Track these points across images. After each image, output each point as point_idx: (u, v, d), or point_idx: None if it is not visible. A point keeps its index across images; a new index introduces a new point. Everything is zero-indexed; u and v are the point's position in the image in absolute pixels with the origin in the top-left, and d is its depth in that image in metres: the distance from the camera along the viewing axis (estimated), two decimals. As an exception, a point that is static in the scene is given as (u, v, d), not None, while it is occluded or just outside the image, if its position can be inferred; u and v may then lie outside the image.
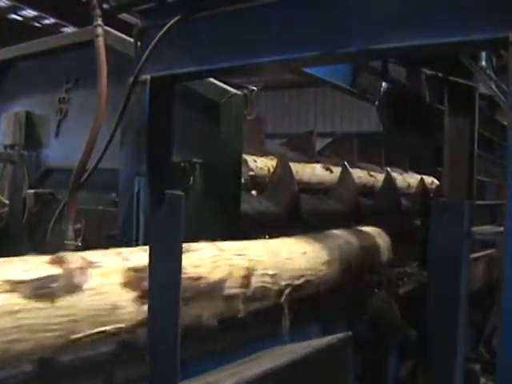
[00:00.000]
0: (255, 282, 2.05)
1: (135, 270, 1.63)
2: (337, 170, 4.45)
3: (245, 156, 3.34)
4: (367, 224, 3.21)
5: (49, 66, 3.86)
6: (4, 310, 1.29)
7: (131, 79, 2.60)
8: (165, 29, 2.44)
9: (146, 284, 1.57)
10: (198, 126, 2.96)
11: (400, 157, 5.88)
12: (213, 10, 2.43)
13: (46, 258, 1.48)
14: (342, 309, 2.66)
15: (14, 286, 1.33)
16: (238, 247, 2.10)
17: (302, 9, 2.22)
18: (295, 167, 3.88)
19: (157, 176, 2.70)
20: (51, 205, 3.63)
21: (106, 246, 1.76)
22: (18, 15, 13.30)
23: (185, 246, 1.83)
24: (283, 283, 2.20)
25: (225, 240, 2.15)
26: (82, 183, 2.79)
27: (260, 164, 3.65)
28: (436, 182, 5.66)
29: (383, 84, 4.07)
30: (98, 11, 2.69)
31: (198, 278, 1.78)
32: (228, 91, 2.89)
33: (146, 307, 1.57)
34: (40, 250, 1.64)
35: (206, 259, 1.87)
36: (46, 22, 13.21)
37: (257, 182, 3.59)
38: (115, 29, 3.19)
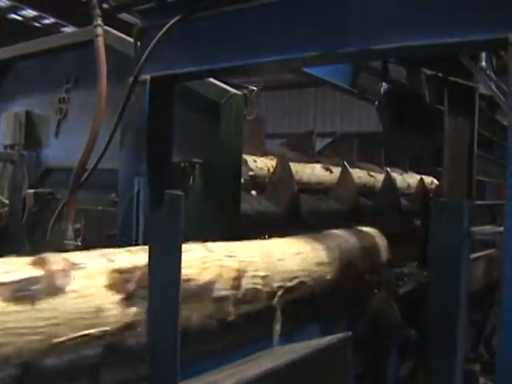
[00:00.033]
0: (246, 283, 2.01)
1: (120, 271, 1.59)
2: (337, 170, 4.45)
3: (245, 156, 3.34)
4: (366, 224, 3.21)
5: (49, 65, 3.86)
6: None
7: (131, 79, 2.59)
8: (165, 29, 2.44)
9: (131, 286, 1.56)
10: (197, 125, 2.96)
11: (400, 157, 5.88)
12: (213, 9, 2.43)
13: (28, 259, 1.46)
14: (340, 310, 2.65)
15: (-7, 288, 1.29)
16: (228, 248, 2.06)
17: (301, 9, 2.22)
18: (295, 167, 3.88)
19: (157, 176, 2.70)
20: (51, 204, 3.63)
21: (105, 246, 1.76)
22: (18, 15, 13.31)
23: None
24: (275, 285, 2.16)
25: (225, 240, 2.15)
26: (82, 183, 2.79)
27: (260, 164, 3.65)
28: (436, 182, 5.66)
29: (383, 84, 4.07)
30: (98, 11, 2.69)
31: (187, 280, 1.75)
32: (228, 91, 2.89)
33: (131, 310, 1.55)
34: (40, 250, 1.62)
35: (195, 260, 1.85)
36: (46, 21, 13.22)
37: (257, 181, 3.59)
38: (115, 29, 3.19)
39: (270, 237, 2.49)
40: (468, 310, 2.53)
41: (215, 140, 2.90)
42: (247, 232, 2.61)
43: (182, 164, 2.90)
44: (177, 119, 2.79)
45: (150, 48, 2.49)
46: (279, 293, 2.18)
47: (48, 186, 3.78)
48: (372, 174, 5.06)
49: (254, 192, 3.61)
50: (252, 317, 2.06)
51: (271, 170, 3.68)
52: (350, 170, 4.36)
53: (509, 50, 1.77)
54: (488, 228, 3.84)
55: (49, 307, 1.38)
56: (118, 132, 2.71)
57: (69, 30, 11.81)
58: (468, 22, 1.87)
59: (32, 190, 3.72)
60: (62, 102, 3.74)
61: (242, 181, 3.14)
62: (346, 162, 4.37)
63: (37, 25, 13.41)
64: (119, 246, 1.82)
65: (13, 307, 1.31)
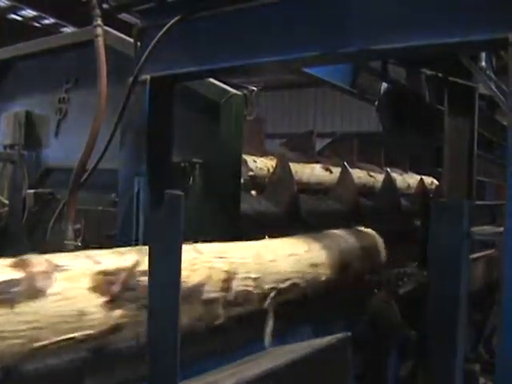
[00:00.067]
0: (236, 285, 1.98)
1: (105, 273, 1.56)
2: (336, 171, 4.45)
3: (244, 156, 3.34)
4: (366, 225, 3.21)
5: (49, 66, 3.86)
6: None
7: (131, 79, 2.59)
8: (165, 29, 2.44)
9: (115, 288, 1.54)
10: (197, 126, 2.96)
11: (400, 157, 5.88)
12: (213, 9, 2.43)
13: (9, 260, 1.43)
14: (335, 312, 2.62)
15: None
16: (218, 250, 2.03)
17: (302, 9, 2.22)
18: (295, 167, 3.88)
19: (157, 176, 2.70)
20: (51, 205, 3.63)
21: (105, 247, 1.76)
22: (18, 15, 13.30)
23: None
24: (267, 287, 2.13)
25: (225, 241, 2.15)
26: (82, 183, 2.79)
27: (260, 164, 3.65)
28: (436, 182, 5.66)
29: (383, 84, 4.07)
30: (98, 11, 2.69)
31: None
32: (228, 91, 2.89)
33: (116, 313, 1.52)
34: (40, 250, 1.62)
35: (184, 262, 1.77)
36: (46, 22, 13.21)
37: (256, 182, 3.59)
38: (115, 29, 3.19)
39: (270, 237, 2.48)
40: (468, 310, 2.52)
41: (215, 140, 2.90)
42: (247, 232, 2.61)
43: (182, 164, 2.90)
44: (177, 119, 2.79)
45: (149, 48, 2.49)
46: (271, 295, 2.15)
47: (48, 186, 3.78)
48: (372, 174, 5.05)
49: (253, 192, 3.61)
50: (243, 319, 2.04)
51: (271, 170, 3.68)
52: (350, 170, 4.36)
53: (509, 50, 1.77)
54: (488, 228, 3.85)
55: (30, 310, 1.36)
56: (118, 132, 2.71)
57: (69, 30, 11.80)
58: (468, 21, 1.87)
59: (32, 190, 3.72)
60: (61, 102, 3.74)
61: (242, 181, 3.14)
62: (345, 163, 4.37)
63: (37, 25, 13.40)
64: (119, 246, 1.82)
65: None
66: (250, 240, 2.34)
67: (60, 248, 2.62)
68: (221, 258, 1.97)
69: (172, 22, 2.44)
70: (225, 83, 2.95)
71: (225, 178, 2.89)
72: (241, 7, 2.35)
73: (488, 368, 3.35)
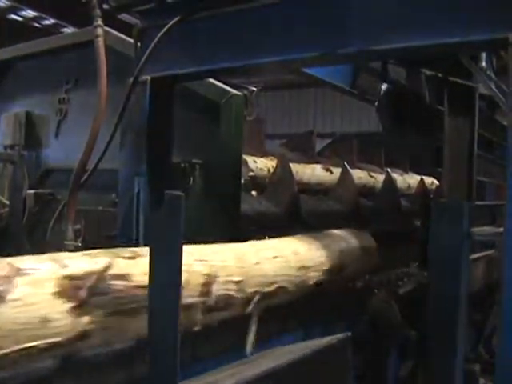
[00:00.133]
0: (217, 289, 1.89)
1: (72, 277, 1.47)
2: (337, 171, 4.44)
3: (245, 156, 3.34)
4: (366, 225, 3.21)
5: (49, 66, 3.87)
6: None
7: (131, 80, 2.60)
8: (165, 29, 2.44)
9: (83, 293, 1.47)
10: (197, 126, 2.96)
11: (400, 157, 5.88)
12: (213, 10, 2.43)
13: None
14: (327, 316, 2.60)
15: None
16: (198, 252, 1.94)
17: (302, 9, 2.22)
18: (295, 168, 3.88)
19: (157, 176, 2.70)
20: (51, 205, 3.63)
21: (106, 247, 1.75)
22: (18, 15, 13.31)
23: (136, 250, 1.75)
24: (250, 290, 2.04)
25: (225, 241, 2.15)
26: (82, 183, 2.79)
27: (260, 164, 3.65)
28: (436, 182, 5.66)
29: (383, 84, 4.07)
30: (98, 11, 2.69)
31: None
32: (228, 92, 2.89)
33: (83, 319, 1.46)
34: (40, 251, 1.61)
35: None
36: (46, 22, 13.23)
37: (257, 182, 3.59)
38: (115, 29, 3.19)
39: (269, 237, 2.48)
40: (468, 310, 2.52)
41: (215, 140, 2.90)
42: (247, 232, 2.61)
43: (182, 164, 2.90)
44: (177, 119, 2.79)
45: (150, 48, 2.49)
46: (255, 299, 2.07)
47: (48, 186, 3.78)
48: (372, 174, 5.05)
49: (254, 192, 3.61)
50: (225, 325, 1.96)
51: (271, 170, 3.68)
52: (350, 170, 4.35)
53: (509, 50, 1.77)
54: (488, 229, 3.85)
55: None
56: (118, 132, 2.71)
57: (69, 30, 11.81)
58: (468, 21, 1.87)
59: (32, 191, 3.72)
60: (61, 102, 3.74)
61: (242, 181, 3.14)
62: (346, 163, 4.37)
63: (37, 25, 13.41)
64: (119, 246, 1.81)
65: None
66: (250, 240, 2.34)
67: (60, 248, 2.62)
68: (200, 260, 1.89)
69: (172, 22, 2.44)
70: (225, 83, 2.95)
71: (225, 178, 2.89)
72: (241, 8, 2.35)
73: (488, 368, 3.35)
